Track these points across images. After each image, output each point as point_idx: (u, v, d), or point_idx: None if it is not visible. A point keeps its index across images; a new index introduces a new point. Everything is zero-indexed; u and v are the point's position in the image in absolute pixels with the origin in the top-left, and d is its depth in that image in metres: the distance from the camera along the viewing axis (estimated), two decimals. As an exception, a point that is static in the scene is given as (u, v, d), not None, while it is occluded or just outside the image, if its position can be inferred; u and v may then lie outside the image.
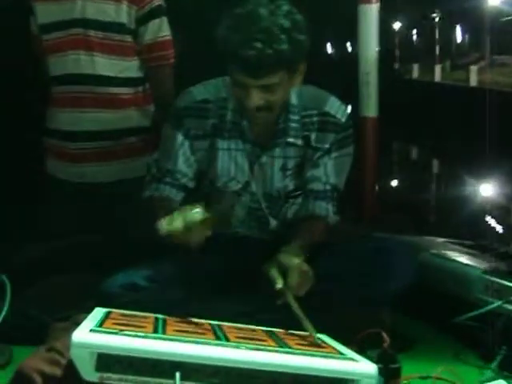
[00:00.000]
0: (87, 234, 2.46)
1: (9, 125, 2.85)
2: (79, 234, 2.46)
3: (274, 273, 1.77)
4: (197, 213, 1.67)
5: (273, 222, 2.09)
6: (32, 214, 2.67)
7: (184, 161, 2.02)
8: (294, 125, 2.00)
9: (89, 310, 1.76)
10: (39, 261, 2.32)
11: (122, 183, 2.56)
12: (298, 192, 2.08)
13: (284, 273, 1.78)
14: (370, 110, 2.79)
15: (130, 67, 2.51)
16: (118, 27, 2.45)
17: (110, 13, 2.44)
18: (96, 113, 2.50)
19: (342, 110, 2.03)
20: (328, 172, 2.04)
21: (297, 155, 2.04)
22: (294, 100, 2.00)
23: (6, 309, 1.84)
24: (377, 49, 2.79)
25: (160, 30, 2.50)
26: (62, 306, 2.02)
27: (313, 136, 2.02)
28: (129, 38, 2.47)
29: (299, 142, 2.01)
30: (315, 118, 2.02)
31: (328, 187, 2.05)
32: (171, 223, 1.65)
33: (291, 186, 2.07)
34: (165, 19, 2.52)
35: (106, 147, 2.53)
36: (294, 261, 1.79)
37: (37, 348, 1.71)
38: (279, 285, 1.75)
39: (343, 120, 2.02)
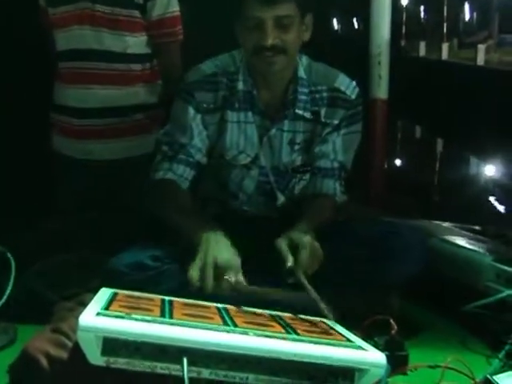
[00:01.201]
0: (93, 211, 2.44)
1: (14, 99, 2.83)
2: (85, 211, 2.44)
3: (285, 250, 1.76)
4: (229, 265, 1.69)
5: (281, 197, 2.09)
6: (37, 191, 2.66)
7: (197, 134, 2.02)
8: (303, 97, 2.01)
9: (94, 289, 1.76)
10: (44, 237, 2.30)
11: (128, 160, 2.53)
12: (306, 168, 2.08)
13: (295, 250, 1.77)
14: (381, 91, 2.77)
15: (137, 43, 2.48)
16: (126, 2, 2.42)
17: None
18: (103, 89, 2.47)
19: (352, 87, 2.05)
20: (336, 149, 2.05)
21: (306, 130, 2.04)
22: (302, 74, 2.02)
23: (10, 287, 1.83)
24: (388, 29, 2.75)
25: (169, 5, 2.47)
26: (67, 284, 2.02)
27: (322, 111, 2.03)
28: (137, 14, 2.44)
29: (308, 114, 2.02)
30: (325, 94, 2.03)
31: (336, 165, 2.06)
32: (203, 278, 1.67)
33: (299, 161, 2.07)
34: None
35: (113, 124, 2.51)
36: (305, 238, 1.78)
37: (41, 328, 1.71)
38: (290, 263, 1.73)
39: (353, 97, 2.04)
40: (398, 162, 7.51)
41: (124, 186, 2.50)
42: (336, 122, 2.03)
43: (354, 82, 2.07)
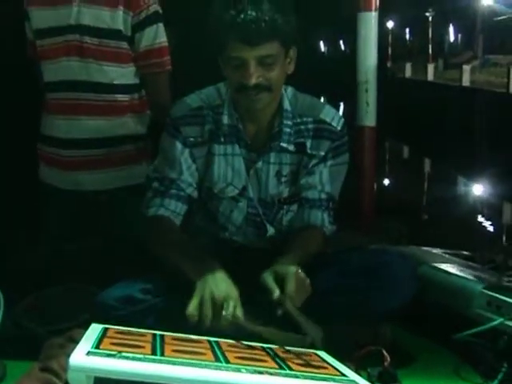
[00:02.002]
0: (82, 242, 2.42)
1: (2, 129, 2.82)
2: (74, 243, 2.43)
3: (271, 282, 1.75)
4: (227, 296, 1.69)
5: (270, 229, 2.08)
6: (25, 223, 2.64)
7: (186, 169, 2.01)
8: (287, 129, 2.00)
9: (84, 323, 1.75)
10: (32, 271, 2.29)
11: (116, 191, 2.52)
12: (293, 199, 2.06)
13: (281, 282, 1.75)
14: (369, 119, 2.77)
15: (125, 74, 2.48)
16: (114, 34, 2.42)
17: (106, 19, 2.40)
18: (91, 120, 2.46)
19: (337, 118, 2.04)
20: (323, 180, 2.04)
21: (292, 162, 2.03)
22: (287, 106, 2.01)
23: (-1, 321, 1.81)
24: (375, 57, 2.76)
25: (156, 36, 2.47)
26: (56, 318, 2.00)
27: (308, 143, 2.02)
28: (125, 45, 2.44)
29: (291, 147, 2.01)
30: (310, 126, 2.02)
31: (323, 196, 2.04)
32: (201, 312, 1.67)
33: (286, 193, 2.05)
34: (161, 26, 2.48)
35: (101, 155, 2.49)
36: (290, 269, 1.77)
37: (31, 363, 1.69)
38: (276, 294, 1.72)
39: (339, 128, 2.03)
40: (385, 185, 7.53)
41: (112, 217, 2.49)
42: (322, 153, 2.02)
43: (340, 114, 2.06)
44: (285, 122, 2.00)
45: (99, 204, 2.50)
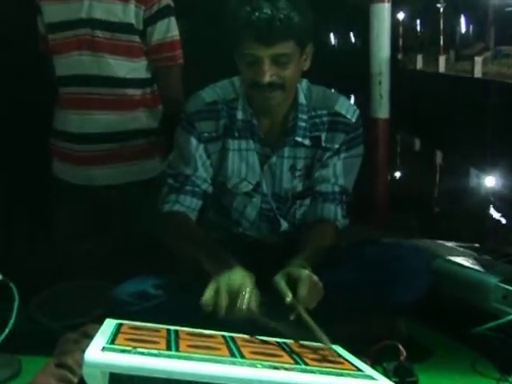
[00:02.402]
0: (95, 238, 2.42)
1: (16, 125, 2.82)
2: (87, 239, 2.42)
3: (283, 286, 1.73)
4: (242, 284, 1.69)
5: (283, 223, 2.07)
6: (38, 219, 2.64)
7: (201, 165, 2.01)
8: (302, 124, 1.99)
9: (98, 318, 1.74)
10: (47, 266, 2.29)
11: (129, 186, 2.51)
12: (307, 193, 2.05)
13: (293, 285, 1.73)
14: (383, 111, 2.75)
15: (137, 68, 2.47)
16: (126, 27, 2.41)
17: (118, 13, 2.39)
18: (103, 115, 2.45)
19: (352, 110, 2.02)
20: (337, 173, 2.03)
21: (306, 156, 2.02)
22: (302, 99, 2.00)
23: (13, 318, 1.81)
24: (388, 48, 2.74)
25: (168, 30, 2.45)
26: (70, 314, 2.00)
27: (323, 136, 2.01)
28: (136, 39, 2.43)
29: (307, 141, 2.00)
30: (325, 118, 2.01)
31: (337, 189, 2.03)
32: (216, 300, 1.67)
33: (300, 187, 2.04)
34: (173, 19, 2.47)
35: (114, 149, 2.49)
36: (304, 273, 1.74)
37: (45, 359, 1.69)
38: (289, 298, 1.71)
39: (353, 120, 2.01)
40: (397, 177, 7.50)
41: (124, 212, 2.49)
42: (336, 146, 2.01)
43: (355, 106, 2.05)
44: (300, 116, 1.99)
45: (111, 199, 2.50)
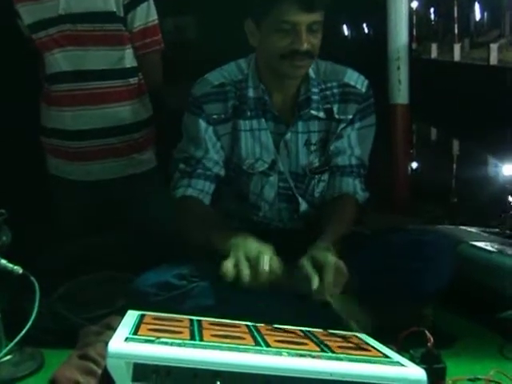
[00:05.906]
0: (101, 232, 2.41)
1: (6, 125, 2.77)
2: (94, 233, 2.41)
3: (310, 271, 1.71)
4: (260, 252, 1.69)
5: (302, 203, 2.06)
6: (44, 215, 2.63)
7: (212, 147, 2.00)
8: (315, 97, 2.00)
9: (120, 310, 1.73)
10: (66, 260, 2.27)
11: (128, 178, 2.51)
12: (324, 168, 2.05)
13: (319, 269, 1.71)
14: (401, 97, 2.72)
15: (125, 56, 2.43)
16: (108, 16, 2.37)
17: (98, 3, 2.35)
18: (97, 109, 2.43)
19: (361, 81, 2.04)
20: (352, 144, 2.03)
21: (320, 129, 2.02)
22: (312, 73, 2.01)
23: (35, 311, 1.80)
24: (407, 34, 2.71)
25: (149, 14, 2.43)
26: (92, 306, 1.99)
27: (335, 108, 2.02)
28: (121, 26, 2.40)
29: (321, 114, 2.01)
30: (336, 90, 2.02)
31: (353, 161, 2.04)
32: (238, 269, 1.68)
33: (316, 162, 2.04)
34: (152, 2, 2.45)
35: (110, 143, 2.47)
36: (330, 258, 1.72)
37: (68, 352, 1.68)
38: (316, 285, 1.68)
39: (364, 90, 2.03)
40: (416, 166, 7.45)
41: (124, 205, 2.49)
42: (350, 117, 2.01)
43: (363, 76, 2.05)
44: (312, 89, 1.99)
45: (112, 192, 2.50)
